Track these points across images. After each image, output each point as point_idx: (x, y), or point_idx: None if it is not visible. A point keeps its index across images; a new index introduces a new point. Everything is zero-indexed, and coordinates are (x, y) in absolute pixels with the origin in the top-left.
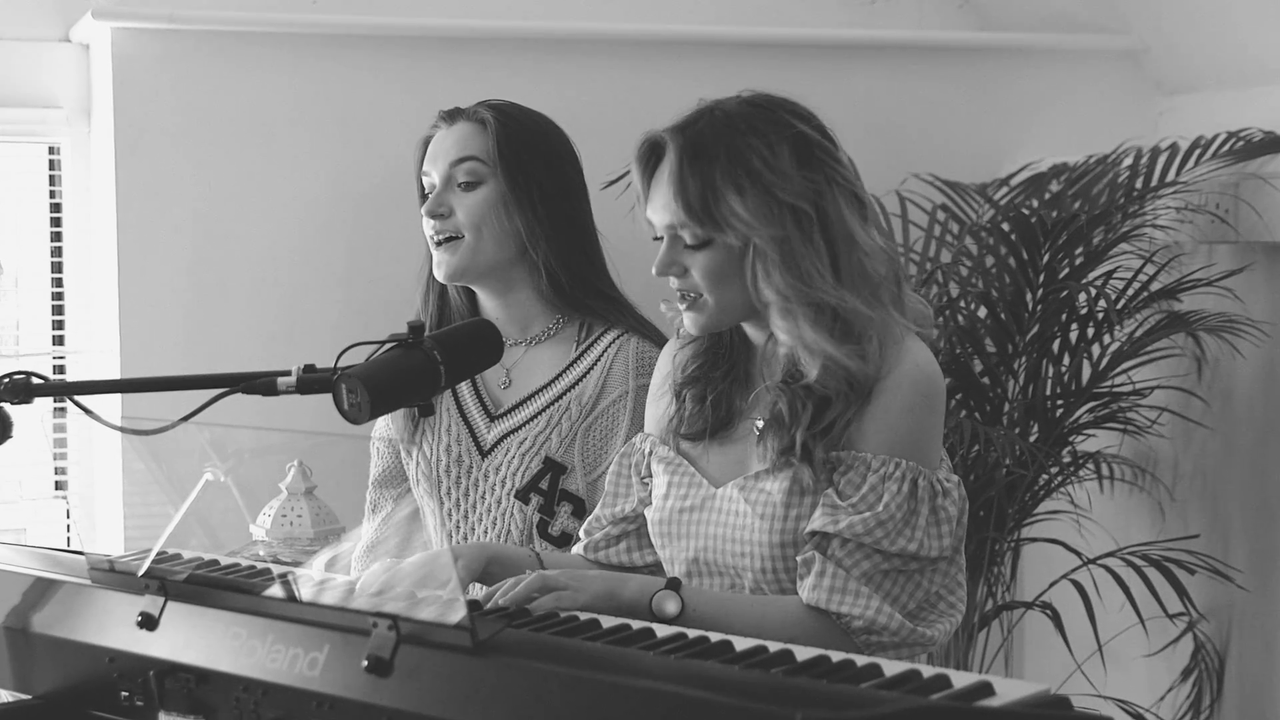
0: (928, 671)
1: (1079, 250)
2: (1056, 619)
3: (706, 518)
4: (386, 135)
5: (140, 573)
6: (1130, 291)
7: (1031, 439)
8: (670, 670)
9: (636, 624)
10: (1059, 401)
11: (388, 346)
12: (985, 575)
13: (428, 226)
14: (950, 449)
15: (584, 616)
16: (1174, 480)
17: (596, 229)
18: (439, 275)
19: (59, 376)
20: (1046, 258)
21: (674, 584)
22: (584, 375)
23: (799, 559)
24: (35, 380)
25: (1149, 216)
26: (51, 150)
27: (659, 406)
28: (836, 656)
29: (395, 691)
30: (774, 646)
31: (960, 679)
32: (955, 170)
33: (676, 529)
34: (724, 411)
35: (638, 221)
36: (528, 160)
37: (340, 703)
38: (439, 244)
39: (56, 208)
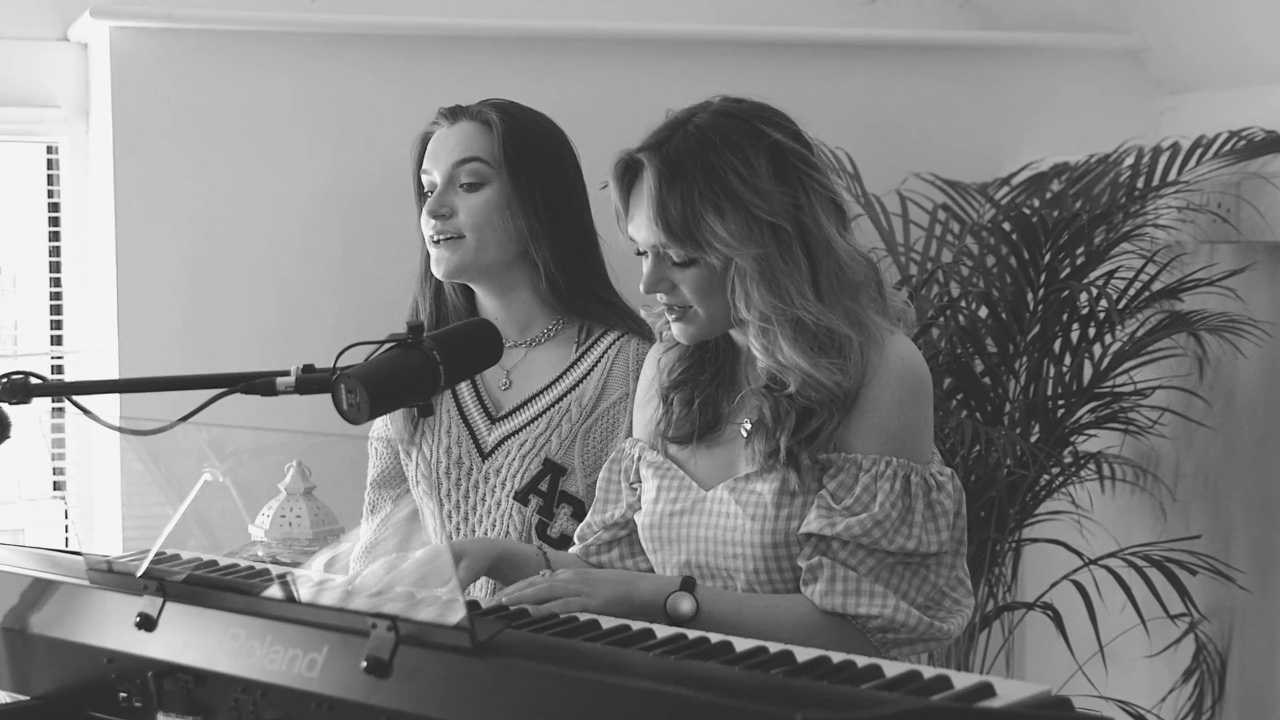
0: (928, 672)
1: (1080, 250)
2: (1058, 620)
3: (697, 520)
4: (385, 134)
5: (139, 573)
6: (1131, 291)
7: (1033, 439)
8: (670, 671)
9: (636, 625)
10: (1060, 402)
11: (387, 346)
12: (986, 576)
13: (428, 226)
14: (951, 449)
15: (584, 617)
16: (1175, 480)
17: (595, 231)
18: (437, 272)
19: (57, 376)
20: (1048, 257)
21: (689, 584)
22: (584, 377)
23: (803, 564)
24: (33, 380)
25: (1150, 216)
26: (50, 150)
27: (646, 411)
28: (837, 657)
29: (394, 692)
30: (774, 647)
31: (961, 680)
32: (956, 170)
33: (667, 533)
34: (711, 414)
35: (623, 234)
36: (531, 162)
37: (339, 704)
38: (438, 242)
39: (55, 207)
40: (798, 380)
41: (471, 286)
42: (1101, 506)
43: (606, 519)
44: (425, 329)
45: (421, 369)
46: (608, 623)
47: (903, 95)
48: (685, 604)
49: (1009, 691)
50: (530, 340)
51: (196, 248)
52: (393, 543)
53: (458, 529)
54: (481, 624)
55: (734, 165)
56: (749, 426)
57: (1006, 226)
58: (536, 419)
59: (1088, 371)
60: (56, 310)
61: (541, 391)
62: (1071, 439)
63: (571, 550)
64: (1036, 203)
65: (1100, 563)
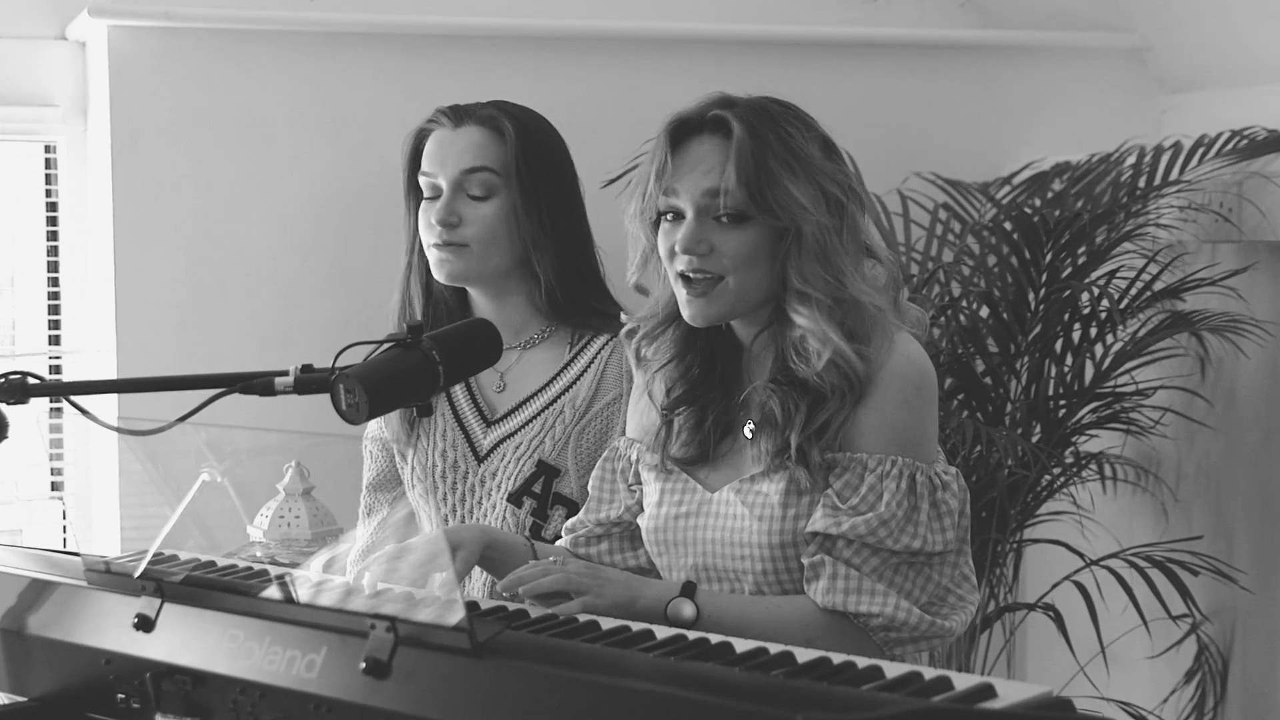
0: (929, 673)
1: (1081, 249)
2: (1059, 620)
3: (704, 523)
4: (384, 134)
5: (137, 574)
6: (1133, 291)
7: (1034, 439)
8: (670, 672)
9: (636, 626)
10: (1061, 402)
11: (386, 346)
12: (988, 577)
13: (432, 232)
14: (952, 449)
15: (584, 617)
16: (1177, 481)
17: (592, 236)
18: (440, 276)
19: (55, 376)
20: (1049, 257)
21: (689, 589)
22: (578, 378)
23: (806, 562)
24: (31, 380)
25: (1152, 215)
26: (48, 149)
27: (648, 417)
28: (838, 658)
29: (393, 693)
30: (774, 648)
31: (962, 681)
32: (957, 169)
33: (673, 536)
34: (721, 430)
35: (643, 201)
36: (540, 174)
37: (338, 705)
38: (442, 247)
39: (53, 207)
40: (827, 356)
41: (466, 288)
42: (1103, 507)
43: (602, 517)
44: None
45: (421, 369)
46: (607, 623)
47: (903, 94)
48: (686, 609)
49: (1010, 693)
50: (524, 342)
51: (195, 247)
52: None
53: None
54: (481, 625)
55: (799, 137)
56: (753, 426)
57: (1008, 226)
58: (531, 421)
59: (1089, 371)
60: (54, 310)
61: (535, 394)
62: (1073, 439)
63: (559, 543)
64: (1038, 202)
65: (1102, 563)
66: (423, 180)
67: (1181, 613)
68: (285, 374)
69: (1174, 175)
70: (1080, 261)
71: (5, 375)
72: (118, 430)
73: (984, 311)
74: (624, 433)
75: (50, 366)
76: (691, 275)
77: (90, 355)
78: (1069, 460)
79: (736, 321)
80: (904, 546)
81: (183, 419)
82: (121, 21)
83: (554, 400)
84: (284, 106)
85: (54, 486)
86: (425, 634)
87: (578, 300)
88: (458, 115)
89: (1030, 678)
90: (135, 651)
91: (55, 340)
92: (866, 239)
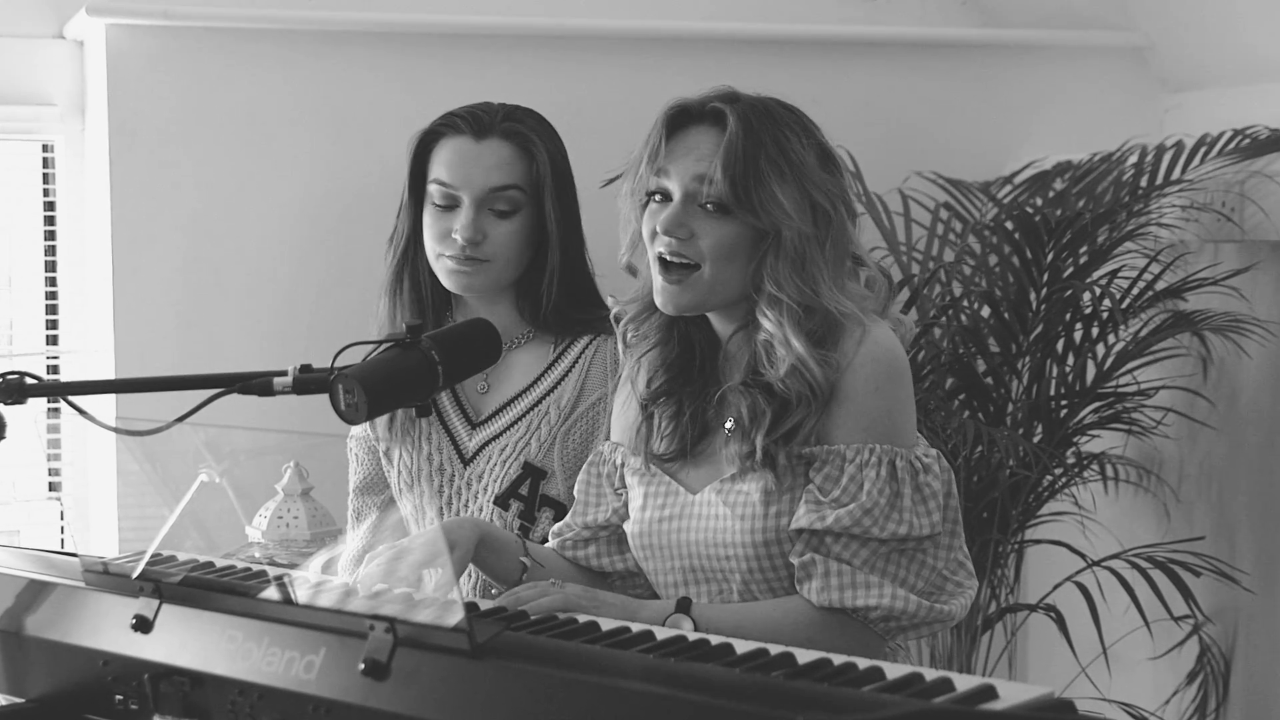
0: (930, 674)
1: (1083, 249)
2: (1060, 621)
3: (687, 525)
4: (383, 132)
5: (135, 575)
6: (1135, 291)
7: (1035, 440)
8: (670, 674)
9: (636, 627)
10: (1063, 402)
11: (385, 346)
12: (989, 577)
13: (449, 244)
14: (953, 450)
15: (583, 619)
16: (1179, 481)
17: (584, 243)
18: (452, 286)
19: (53, 376)
20: (1050, 256)
21: (684, 605)
22: (562, 379)
23: (796, 562)
24: (29, 380)
25: (1154, 215)
26: (45, 148)
27: (627, 415)
28: (838, 659)
29: (392, 695)
30: (775, 649)
31: (963, 682)
32: (958, 168)
33: (658, 539)
34: (699, 427)
35: (635, 180)
36: (560, 189)
37: (337, 706)
38: (462, 260)
39: (50, 206)
40: (789, 362)
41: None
42: (1105, 507)
43: (589, 520)
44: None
45: (420, 369)
46: (607, 624)
47: (904, 93)
48: (684, 625)
49: (1011, 694)
50: (508, 344)
51: (193, 247)
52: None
53: None
54: (480, 626)
55: (794, 143)
56: (730, 426)
57: (1009, 225)
58: (516, 423)
59: (1091, 372)
60: (52, 310)
61: (520, 395)
62: (1075, 439)
63: (546, 546)
64: (1039, 201)
65: (1103, 564)
66: (435, 188)
67: (1183, 614)
68: (284, 374)
69: (1176, 174)
70: (1082, 261)
71: (3, 375)
72: (116, 430)
73: (985, 311)
74: (609, 436)
75: (48, 366)
76: (669, 258)
77: (88, 355)
78: (1070, 461)
79: (714, 317)
80: (890, 534)
81: (181, 419)
82: (119, 20)
83: (539, 401)
84: (282, 105)
85: (52, 487)
86: (424, 635)
87: (564, 313)
88: (479, 126)
89: (1032, 679)
90: (133, 652)
91: (53, 340)
92: (857, 250)
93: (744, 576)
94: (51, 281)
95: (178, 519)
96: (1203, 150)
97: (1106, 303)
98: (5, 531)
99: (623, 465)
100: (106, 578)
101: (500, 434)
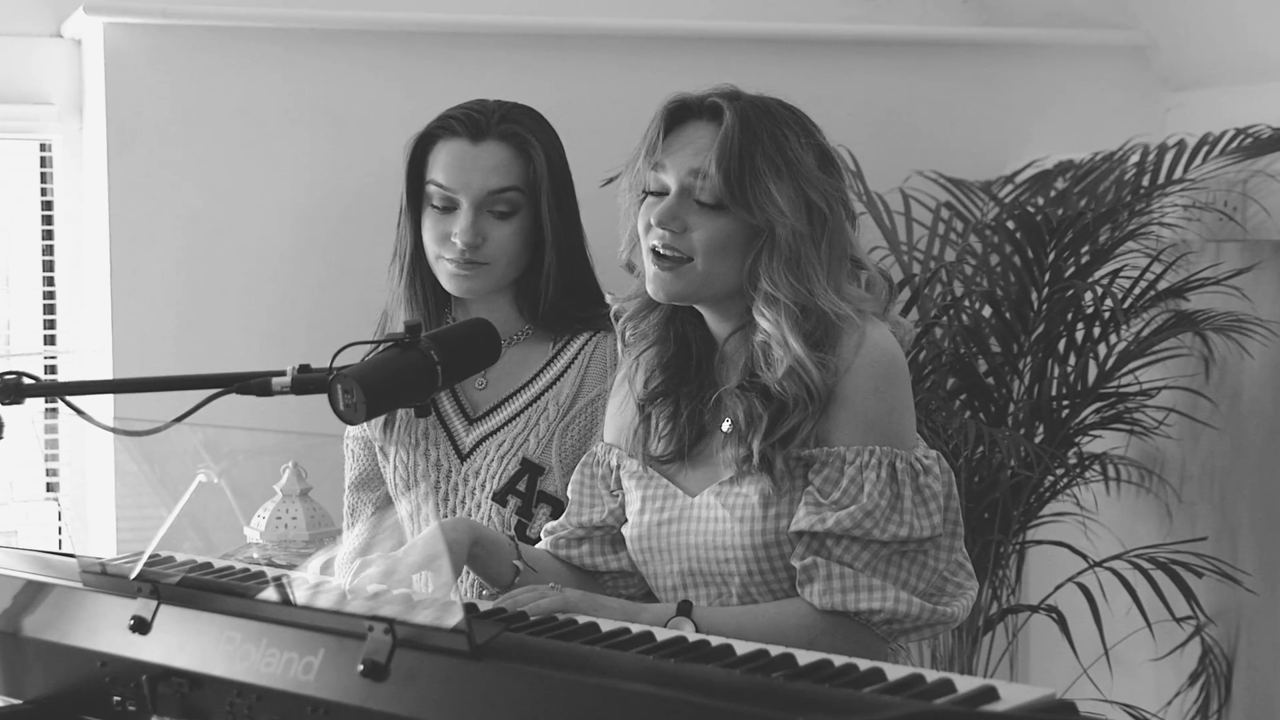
0: (931, 676)
1: (1085, 248)
2: (1062, 622)
3: (686, 528)
4: (381, 131)
5: (133, 576)
6: (1137, 290)
7: (1037, 440)
8: (670, 675)
9: (636, 628)
10: (1065, 402)
11: (384, 346)
12: (990, 578)
13: (448, 247)
14: (954, 450)
15: (582, 620)
16: (1181, 482)
17: (585, 241)
18: (453, 289)
19: (50, 376)
20: (1052, 256)
21: (685, 609)
22: (560, 375)
23: (798, 565)
24: (26, 380)
25: (1156, 214)
26: (43, 147)
27: (624, 416)
28: (839, 660)
29: (391, 696)
30: (775, 650)
31: (964, 683)
32: (959, 167)
33: (657, 543)
34: (697, 429)
35: (631, 173)
36: (558, 189)
37: (336, 708)
38: (462, 263)
39: (48, 205)
40: (787, 364)
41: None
42: (1106, 508)
43: (583, 521)
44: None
45: (419, 368)
46: (607, 625)
47: (905, 92)
48: (685, 629)
49: (1013, 695)
50: (505, 340)
51: (191, 246)
52: (387, 548)
53: None
54: (479, 627)
55: (793, 142)
56: (728, 428)
57: (1010, 225)
58: (514, 419)
59: (1092, 371)
60: (50, 310)
61: (518, 391)
62: (1076, 440)
63: (539, 545)
64: (1041, 201)
65: (1105, 565)
66: (434, 190)
67: (1185, 615)
68: (282, 374)
69: (1178, 174)
70: (1083, 261)
71: (0, 375)
72: (114, 430)
73: (986, 311)
74: (603, 437)
75: (45, 366)
76: (661, 250)
77: (86, 355)
78: (1072, 461)
79: (711, 318)
80: (892, 536)
81: (179, 419)
82: (117, 19)
83: (537, 397)
84: (281, 104)
85: (49, 487)
86: (423, 636)
87: (563, 312)
88: (475, 128)
89: (1033, 680)
90: (131, 654)
91: (50, 340)
92: (855, 252)
93: (743, 579)
94: (49, 281)
95: (176, 519)
96: (1205, 149)
97: (1108, 302)
98: (3, 532)
99: (618, 467)
100: (104, 578)
101: (498, 430)
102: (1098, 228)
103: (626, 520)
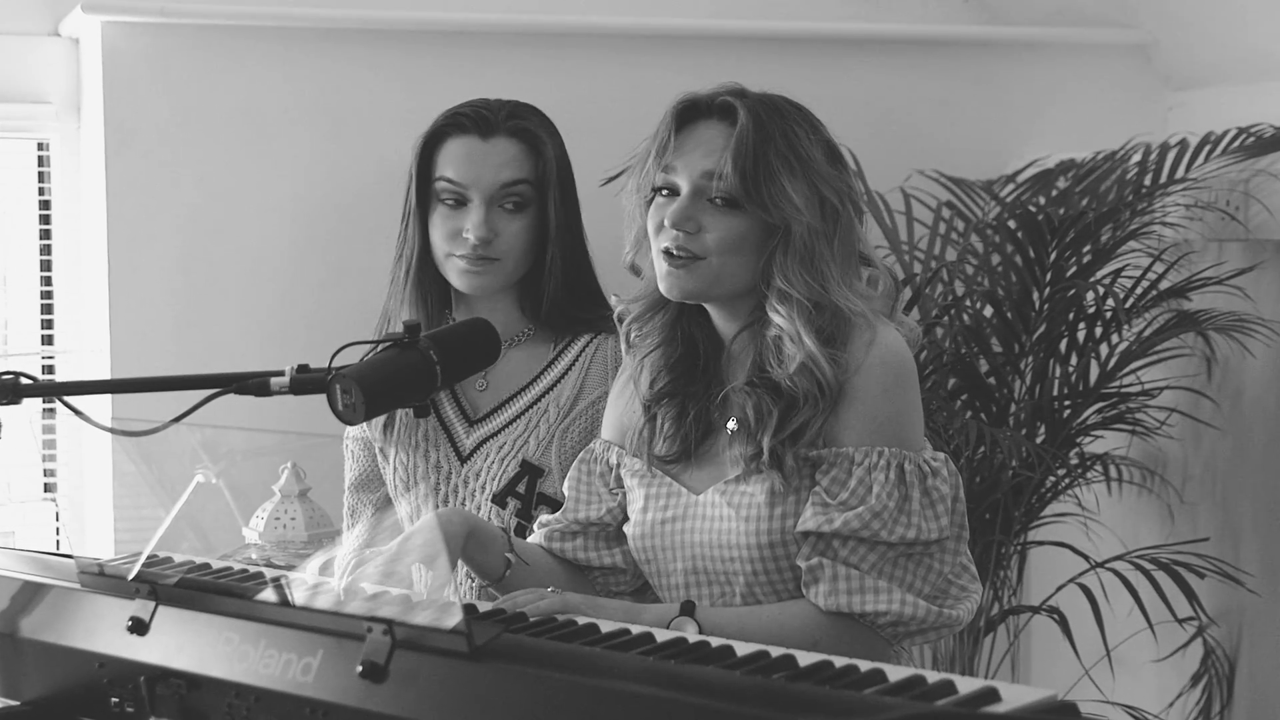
0: (932, 677)
1: (1087, 248)
2: (1064, 624)
3: (690, 526)
4: (380, 131)
5: (130, 577)
6: (1139, 290)
7: (1038, 440)
8: (670, 676)
9: (636, 628)
10: (1066, 402)
11: (383, 346)
12: (991, 579)
13: (460, 243)
14: (955, 450)
15: (582, 621)
16: (1183, 482)
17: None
18: (464, 286)
19: (48, 376)
20: (1053, 256)
21: (688, 609)
22: (561, 377)
23: (803, 565)
24: (24, 380)
25: (1158, 214)
26: (40, 146)
27: (628, 416)
28: (840, 662)
29: (390, 697)
30: (776, 651)
31: (966, 685)
32: (960, 166)
33: (661, 541)
34: (703, 428)
35: (641, 175)
36: (565, 185)
37: (334, 709)
38: (475, 259)
39: (45, 205)
40: (799, 360)
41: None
42: (1108, 509)
43: (580, 517)
44: (422, 328)
45: (418, 369)
46: (606, 626)
47: (906, 91)
48: (688, 629)
49: (1014, 696)
50: (507, 341)
51: (190, 246)
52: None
53: None
54: (478, 628)
55: (805, 138)
56: (733, 426)
57: (1012, 224)
58: (514, 421)
59: (1094, 372)
60: (47, 309)
61: (519, 392)
62: (1078, 440)
63: (532, 539)
64: (1042, 200)
65: (1107, 566)
66: (443, 186)
67: (1187, 615)
68: (281, 374)
69: (1180, 173)
70: (1085, 260)
71: None
72: (112, 431)
73: (988, 311)
74: (603, 434)
75: (43, 366)
76: (675, 251)
77: (84, 355)
78: (1074, 461)
79: (718, 316)
80: (899, 537)
81: (177, 420)
82: (115, 17)
83: (538, 399)
84: (280, 103)
85: (47, 488)
86: (422, 637)
87: (566, 312)
88: (485, 124)
89: (1034, 681)
90: (129, 655)
91: (48, 340)
92: (864, 248)
93: (747, 579)
94: (47, 281)
95: (174, 520)
96: (1207, 149)
97: (1110, 302)
98: (0, 533)
99: (618, 465)
100: (102, 579)
101: (498, 432)
102: (1099, 227)
103: (624, 518)
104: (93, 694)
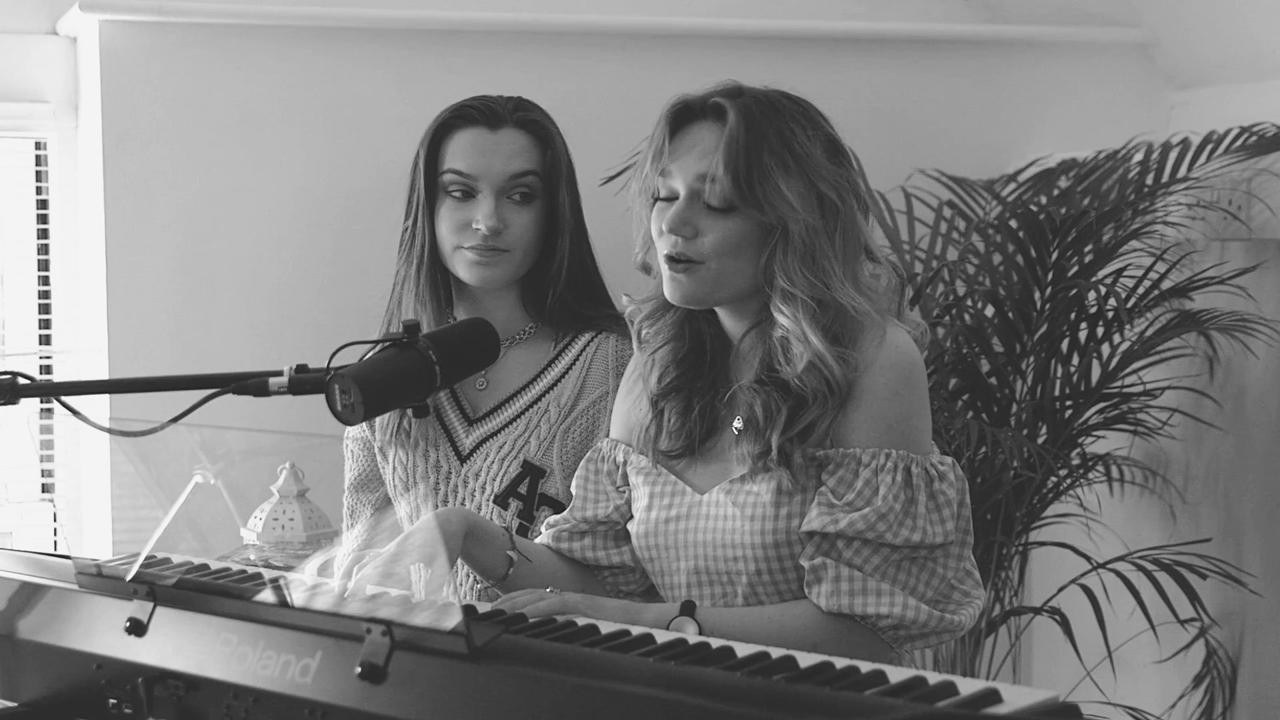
0: (933, 678)
1: (1088, 248)
2: (1065, 625)
3: (695, 525)
4: (379, 129)
5: (129, 577)
6: (1141, 290)
7: (1040, 440)
8: (670, 677)
9: (636, 629)
10: (1068, 402)
11: (382, 346)
12: (993, 580)
13: (470, 235)
14: (956, 450)
15: (582, 621)
16: (1185, 483)
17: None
18: (472, 279)
19: (45, 377)
20: (1055, 255)
21: (688, 609)
22: (562, 376)
23: (806, 565)
24: (21, 380)
25: (1160, 213)
26: (38, 145)
27: (635, 413)
28: (840, 663)
29: (389, 699)
30: (776, 652)
31: (967, 686)
32: (962, 166)
33: (665, 539)
34: (709, 423)
35: (640, 180)
36: (569, 177)
37: (333, 710)
38: (485, 251)
39: (43, 204)
40: (807, 359)
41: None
42: (1110, 509)
43: (587, 515)
44: (421, 328)
45: (417, 369)
46: (606, 628)
47: (907, 90)
48: (689, 629)
49: (1015, 698)
50: (508, 340)
51: (188, 245)
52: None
53: None
54: (478, 629)
55: (799, 136)
56: (740, 425)
57: (1013, 224)
58: (515, 420)
59: (1096, 371)
60: (45, 309)
61: (519, 392)
62: (1079, 440)
63: (539, 539)
64: (1044, 199)
65: (1109, 566)
66: (451, 179)
67: (1190, 616)
68: (280, 374)
69: (1182, 172)
70: (1087, 260)
71: None
72: (109, 431)
73: (989, 310)
74: (609, 434)
75: (41, 366)
76: (675, 256)
77: (81, 355)
78: (1075, 462)
79: (726, 316)
80: (904, 540)
81: (176, 420)
82: (113, 16)
83: (539, 399)
84: (278, 102)
85: (44, 488)
86: (422, 638)
87: (569, 307)
88: (493, 116)
89: (1036, 683)
90: (127, 656)
91: (46, 340)
92: (868, 243)
93: (750, 579)
94: (44, 280)
95: (172, 521)
96: (1209, 148)
97: (1112, 302)
98: None
99: (624, 463)
100: (100, 580)
101: (499, 431)
102: (1101, 226)
103: (632, 516)
104: (91, 695)
